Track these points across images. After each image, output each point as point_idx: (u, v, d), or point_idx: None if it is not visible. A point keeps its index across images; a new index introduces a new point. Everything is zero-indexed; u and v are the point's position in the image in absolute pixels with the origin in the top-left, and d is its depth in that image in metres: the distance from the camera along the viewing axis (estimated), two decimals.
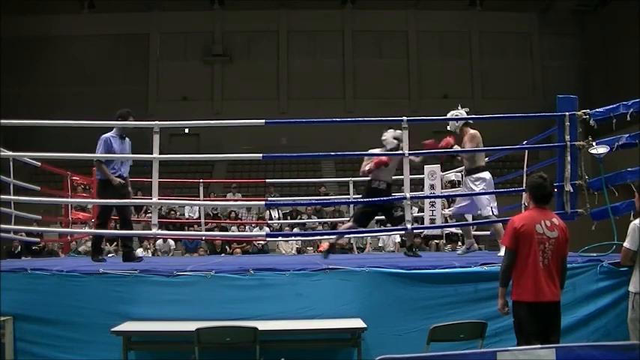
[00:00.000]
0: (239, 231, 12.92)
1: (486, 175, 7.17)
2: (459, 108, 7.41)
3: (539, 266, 4.39)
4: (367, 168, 7.23)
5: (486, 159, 9.47)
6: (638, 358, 3.25)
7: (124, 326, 5.14)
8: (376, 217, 7.96)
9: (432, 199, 9.62)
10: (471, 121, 7.21)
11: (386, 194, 7.24)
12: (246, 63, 23.99)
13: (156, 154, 6.47)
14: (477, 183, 7.11)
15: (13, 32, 21.33)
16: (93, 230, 10.64)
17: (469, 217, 7.86)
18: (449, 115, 7.38)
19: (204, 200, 11.59)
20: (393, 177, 7.54)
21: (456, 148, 7.14)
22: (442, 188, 9.95)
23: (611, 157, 6.64)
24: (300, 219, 13.99)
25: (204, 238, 11.80)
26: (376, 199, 7.12)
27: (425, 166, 9.56)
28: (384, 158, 7.14)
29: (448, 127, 7.38)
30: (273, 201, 12.66)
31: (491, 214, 7.00)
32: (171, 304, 5.39)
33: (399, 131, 6.92)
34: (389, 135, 7.19)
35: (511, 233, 4.50)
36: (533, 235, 4.42)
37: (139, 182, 11.25)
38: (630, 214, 5.67)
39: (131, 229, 7.71)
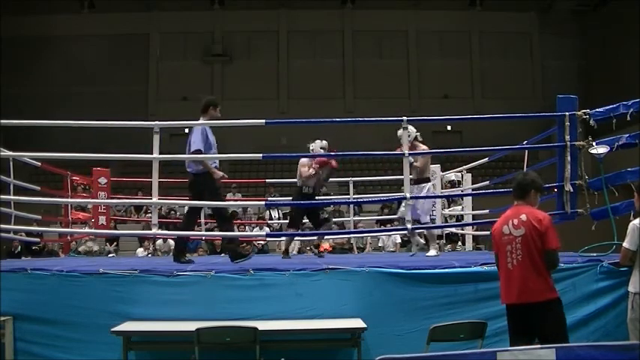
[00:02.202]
0: (239, 231, 12.91)
1: (429, 184, 7.91)
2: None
3: (507, 268, 4.41)
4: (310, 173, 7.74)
5: (486, 159, 9.59)
6: (638, 358, 3.24)
7: (124, 326, 5.14)
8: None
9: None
10: (420, 137, 7.58)
11: (312, 198, 7.86)
12: (246, 63, 23.97)
13: (156, 154, 6.47)
14: (423, 192, 7.61)
15: (13, 32, 21.30)
16: (93, 230, 10.69)
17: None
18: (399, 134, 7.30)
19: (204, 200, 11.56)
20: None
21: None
22: (442, 188, 9.96)
23: (611, 157, 6.63)
24: None
25: (204, 238, 11.79)
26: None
27: None
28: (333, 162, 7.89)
29: (400, 141, 7.06)
30: (273, 201, 12.66)
31: (428, 220, 7.81)
32: (171, 304, 5.39)
33: (324, 142, 7.58)
34: (316, 146, 7.63)
35: (492, 238, 4.64)
36: (500, 237, 4.47)
37: (139, 182, 11.27)
38: (630, 214, 5.66)
39: (229, 228, 6.94)
